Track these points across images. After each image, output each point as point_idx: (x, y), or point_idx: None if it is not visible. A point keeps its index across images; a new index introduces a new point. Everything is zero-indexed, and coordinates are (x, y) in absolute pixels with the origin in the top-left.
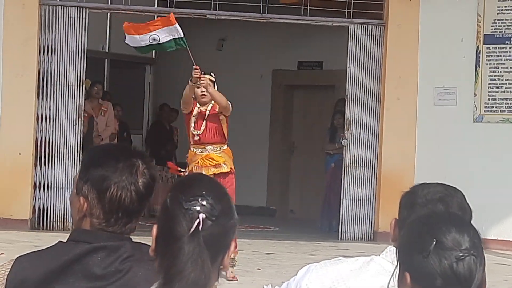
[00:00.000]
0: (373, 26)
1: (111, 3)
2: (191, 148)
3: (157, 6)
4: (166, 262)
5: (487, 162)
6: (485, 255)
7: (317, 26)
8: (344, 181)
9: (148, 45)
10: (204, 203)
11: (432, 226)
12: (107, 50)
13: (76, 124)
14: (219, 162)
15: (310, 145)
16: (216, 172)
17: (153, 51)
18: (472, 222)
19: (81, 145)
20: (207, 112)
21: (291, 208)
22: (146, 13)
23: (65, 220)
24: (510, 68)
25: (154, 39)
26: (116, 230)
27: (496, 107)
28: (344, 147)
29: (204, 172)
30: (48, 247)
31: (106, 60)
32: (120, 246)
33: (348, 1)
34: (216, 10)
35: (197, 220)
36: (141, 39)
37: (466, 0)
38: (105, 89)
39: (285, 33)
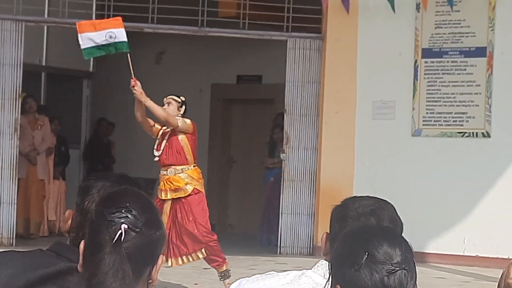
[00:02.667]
0: (311, 40)
1: (48, 16)
2: (160, 170)
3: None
4: (88, 273)
5: (425, 176)
6: (423, 268)
7: (256, 40)
8: (282, 196)
9: (101, 44)
10: (128, 214)
11: (364, 240)
12: (44, 64)
13: (12, 138)
14: (179, 186)
15: (249, 159)
16: (175, 197)
17: (92, 61)
18: (403, 234)
19: (17, 159)
20: (168, 133)
21: (230, 222)
22: None
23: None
24: (448, 82)
25: (110, 37)
26: None
27: (434, 121)
28: (283, 161)
29: (163, 196)
30: (28, 252)
31: (43, 73)
32: None
33: (286, 15)
34: (154, 23)
35: (119, 231)
36: (97, 36)
37: (404, 15)
38: (42, 103)
39: (224, 47)
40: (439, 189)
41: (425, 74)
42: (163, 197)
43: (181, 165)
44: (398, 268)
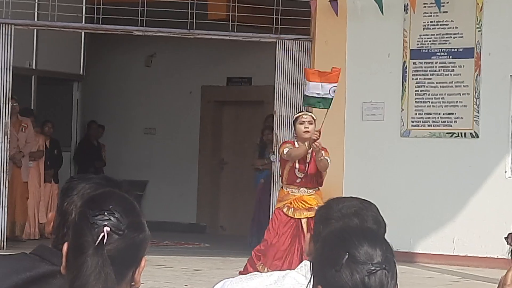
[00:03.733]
0: (300, 42)
1: (37, 19)
2: (284, 188)
3: (85, 23)
4: (71, 276)
5: (414, 177)
6: (413, 268)
7: (245, 42)
8: (272, 197)
9: (323, 97)
10: (111, 217)
11: (344, 240)
12: (34, 67)
13: (2, 142)
14: (312, 206)
15: (239, 161)
16: (309, 216)
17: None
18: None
19: (7, 162)
20: (309, 156)
21: (221, 224)
22: (73, 30)
23: None
24: (436, 83)
25: (334, 91)
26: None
27: (422, 122)
28: (273, 163)
29: (296, 215)
30: (11, 256)
31: (33, 77)
32: None
33: (275, 17)
34: (143, 26)
35: (102, 234)
36: (321, 87)
37: (392, 16)
38: (32, 107)
39: (214, 49)
40: (428, 189)
41: (413, 75)
42: (296, 216)
43: (313, 188)
44: (378, 268)
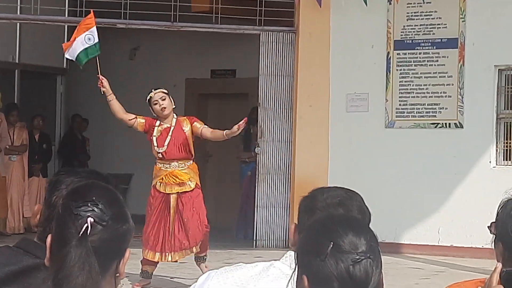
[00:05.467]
0: (284, 34)
1: (20, 13)
2: (156, 163)
3: (67, 16)
4: (55, 267)
5: (399, 167)
6: (398, 259)
7: (229, 34)
8: (258, 189)
9: (84, 48)
10: (94, 208)
11: (329, 229)
12: (17, 61)
13: None
14: (183, 180)
15: (224, 154)
16: (180, 191)
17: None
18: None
19: None
20: (172, 128)
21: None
22: (56, 23)
23: None
24: (421, 73)
25: (89, 39)
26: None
27: (407, 113)
28: (258, 155)
29: (167, 190)
30: None
31: (16, 71)
32: None
33: (259, 9)
34: (127, 19)
35: (85, 224)
36: (78, 44)
37: (376, 7)
38: (16, 101)
39: (197, 41)
40: (413, 180)
41: (397, 66)
42: (167, 191)
43: (184, 160)
44: (363, 257)
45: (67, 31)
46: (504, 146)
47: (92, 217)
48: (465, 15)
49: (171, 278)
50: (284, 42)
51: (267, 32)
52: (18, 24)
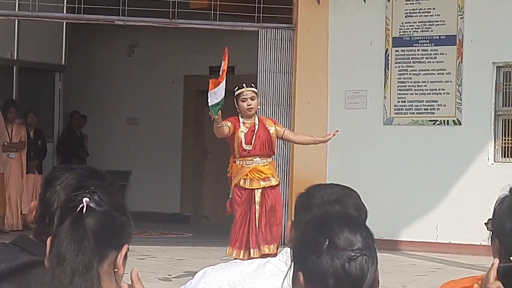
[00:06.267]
0: (283, 31)
1: (18, 9)
2: (237, 161)
3: (66, 13)
4: (51, 251)
5: (397, 164)
6: (396, 256)
7: (228, 31)
8: None
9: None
10: (92, 194)
11: (325, 226)
12: (15, 57)
13: None
14: (267, 175)
15: (223, 150)
16: (266, 186)
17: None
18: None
19: None
20: (256, 126)
21: (205, 214)
22: (54, 20)
23: None
24: (419, 70)
25: (215, 93)
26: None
27: (405, 110)
28: None
29: (254, 185)
30: None
31: (14, 67)
32: None
33: (257, 5)
34: (125, 16)
35: (81, 204)
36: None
37: (374, 4)
38: (14, 97)
39: (196, 38)
40: (411, 177)
41: (396, 63)
42: (254, 187)
43: (266, 156)
44: (359, 254)
45: (66, 28)
46: (502, 143)
47: (87, 198)
48: (463, 12)
49: (169, 275)
50: (283, 39)
51: (265, 29)
52: (16, 20)
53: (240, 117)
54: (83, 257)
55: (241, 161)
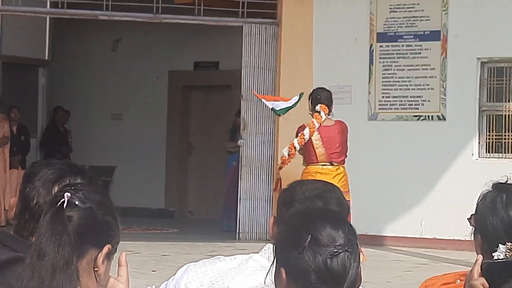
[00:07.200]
0: (267, 26)
1: (2, 4)
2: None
3: (50, 8)
4: (33, 246)
5: (382, 160)
6: (381, 251)
7: (213, 26)
8: (241, 182)
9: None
10: (76, 191)
11: (307, 222)
12: None
13: None
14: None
15: (208, 146)
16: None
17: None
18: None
19: None
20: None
21: (189, 209)
22: (38, 15)
23: None
24: (403, 66)
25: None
26: (24, 234)
27: (390, 105)
28: (241, 148)
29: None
30: None
31: None
32: None
33: (242, 0)
34: (109, 11)
35: (62, 199)
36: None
37: (359, 0)
38: None
39: (181, 33)
40: (395, 172)
41: (380, 58)
42: None
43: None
44: (341, 250)
45: (49, 23)
46: (486, 138)
47: (69, 193)
48: (447, 7)
49: (153, 271)
50: (267, 34)
51: (250, 24)
52: None
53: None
54: (63, 252)
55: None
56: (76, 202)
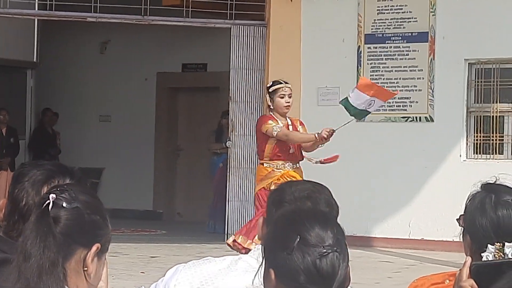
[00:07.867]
0: (255, 27)
1: None
2: (265, 164)
3: (37, 9)
4: (19, 248)
5: (370, 161)
6: (369, 253)
7: (200, 28)
8: (228, 183)
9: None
10: (64, 192)
11: (296, 223)
12: None
13: None
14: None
15: (195, 147)
16: None
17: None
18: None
19: None
20: (290, 127)
21: (178, 211)
22: (26, 17)
23: None
24: (391, 67)
25: (369, 104)
26: (13, 235)
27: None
28: (229, 149)
29: None
30: None
31: None
32: None
33: (230, 2)
34: (97, 12)
35: (48, 201)
36: (367, 101)
37: (346, 1)
38: None
39: (169, 35)
40: (383, 173)
41: (368, 59)
42: None
43: (298, 160)
44: (330, 251)
45: (37, 25)
46: (474, 139)
47: (55, 194)
48: (435, 9)
49: (142, 272)
50: (255, 36)
51: (238, 26)
52: None
53: (273, 115)
54: (49, 254)
55: (270, 164)
56: (63, 203)
